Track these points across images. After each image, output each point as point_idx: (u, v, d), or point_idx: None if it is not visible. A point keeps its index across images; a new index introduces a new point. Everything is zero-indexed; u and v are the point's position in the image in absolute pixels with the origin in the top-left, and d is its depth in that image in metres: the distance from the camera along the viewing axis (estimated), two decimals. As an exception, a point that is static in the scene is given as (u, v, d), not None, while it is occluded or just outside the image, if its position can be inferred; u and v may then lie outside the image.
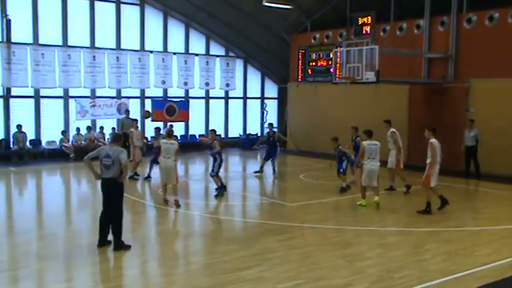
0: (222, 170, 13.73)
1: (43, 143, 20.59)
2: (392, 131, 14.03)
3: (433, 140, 11.52)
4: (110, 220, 8.71)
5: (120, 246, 8.64)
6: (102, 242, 8.75)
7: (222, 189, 13.26)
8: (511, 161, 16.43)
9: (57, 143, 20.60)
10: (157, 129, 16.30)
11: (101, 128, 21.48)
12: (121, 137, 9.54)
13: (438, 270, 7.85)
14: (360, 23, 16.68)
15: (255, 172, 16.79)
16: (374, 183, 12.19)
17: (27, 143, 20.05)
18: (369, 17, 16.43)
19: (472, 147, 16.44)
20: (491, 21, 17.25)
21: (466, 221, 11.24)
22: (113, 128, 21.62)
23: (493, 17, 17.18)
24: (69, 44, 20.53)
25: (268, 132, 17.30)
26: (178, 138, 23.46)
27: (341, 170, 13.89)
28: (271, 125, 17.66)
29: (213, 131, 14.00)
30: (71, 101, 20.88)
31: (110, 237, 8.78)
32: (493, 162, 16.64)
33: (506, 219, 11.20)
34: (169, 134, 12.74)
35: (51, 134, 20.60)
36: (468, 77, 17.71)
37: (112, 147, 8.81)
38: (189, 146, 22.24)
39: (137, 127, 16.94)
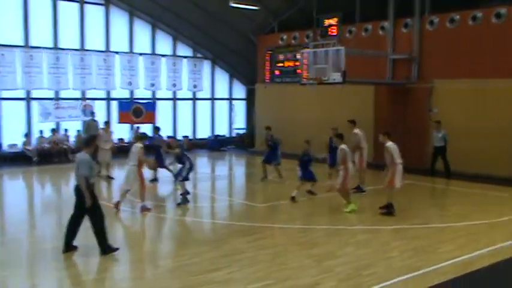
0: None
1: (4, 146, 20.02)
2: (354, 132, 14.17)
3: (388, 144, 11.58)
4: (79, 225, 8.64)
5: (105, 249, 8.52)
6: (68, 248, 8.60)
7: (186, 199, 12.47)
8: (474, 159, 16.86)
9: (20, 146, 20.08)
10: (157, 128, 16.07)
11: (66, 130, 21.05)
12: (92, 141, 9.12)
13: (404, 267, 7.99)
14: (326, 24, 16.85)
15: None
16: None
17: (-12, 147, 19.50)
18: (335, 19, 16.62)
19: (440, 147, 16.76)
20: (453, 23, 17.68)
21: (432, 218, 11.49)
22: (78, 131, 21.24)
23: (454, 19, 17.62)
24: (31, 44, 20.03)
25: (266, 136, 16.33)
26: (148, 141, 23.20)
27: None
28: (268, 128, 16.59)
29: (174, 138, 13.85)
30: (34, 103, 20.38)
31: (75, 242, 8.61)
32: (457, 161, 17.06)
33: (470, 216, 11.48)
34: (139, 137, 12.44)
35: (12, 137, 20.05)
36: (431, 78, 18.12)
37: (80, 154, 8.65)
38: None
39: (108, 128, 16.72)
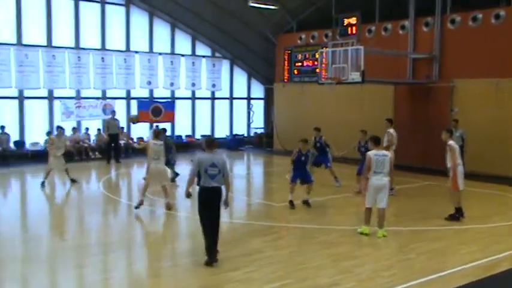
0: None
1: (27, 145, 20.36)
2: (388, 131, 14.00)
3: (451, 142, 11.16)
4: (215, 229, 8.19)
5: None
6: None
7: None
8: (493, 160, 16.63)
9: (42, 144, 20.39)
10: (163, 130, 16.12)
11: (86, 129, 21.33)
12: (214, 143, 8.52)
13: (424, 269, 7.92)
14: (345, 23, 16.75)
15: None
16: (380, 203, 9.84)
17: (11, 145, 19.81)
18: (354, 18, 16.51)
19: (458, 147, 16.50)
20: (475, 21, 17.44)
21: (451, 220, 11.33)
22: (98, 129, 21.48)
23: (477, 17, 17.37)
24: (54, 44, 20.32)
25: (315, 137, 14.83)
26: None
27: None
28: (317, 129, 15.00)
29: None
30: (56, 102, 20.68)
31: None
32: (476, 161, 16.84)
33: (490, 218, 11.34)
34: (157, 134, 12.51)
35: (35, 136, 20.38)
36: (452, 77, 17.90)
37: (215, 155, 8.26)
38: (175, 146, 22.07)
39: (61, 134, 15.79)
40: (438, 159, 17.77)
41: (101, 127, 21.63)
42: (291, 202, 12.15)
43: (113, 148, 20.11)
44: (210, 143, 8.41)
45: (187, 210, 12.16)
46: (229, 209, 12.85)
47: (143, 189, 11.95)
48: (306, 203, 12.32)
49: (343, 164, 16.03)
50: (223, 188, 8.25)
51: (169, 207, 11.75)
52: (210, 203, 8.10)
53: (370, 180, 9.73)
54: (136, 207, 11.58)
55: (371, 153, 9.86)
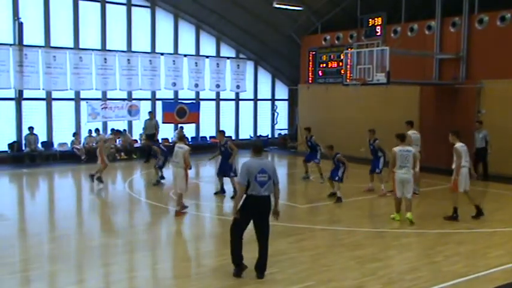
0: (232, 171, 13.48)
1: (55, 145, 20.75)
2: (407, 133, 13.72)
3: (457, 145, 11.17)
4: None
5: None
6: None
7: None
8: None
9: (69, 145, 20.76)
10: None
11: (112, 129, 21.60)
12: (262, 147, 7.93)
13: (450, 272, 7.79)
14: (370, 24, 16.60)
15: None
16: (407, 194, 10.83)
17: (39, 145, 20.22)
18: (380, 18, 16.35)
19: (481, 148, 16.25)
20: (503, 21, 17.11)
21: (477, 223, 11.13)
22: (124, 130, 21.77)
23: (505, 17, 17.04)
24: (81, 46, 20.69)
25: (306, 137, 16.45)
26: (189, 140, 23.59)
27: (336, 178, 13.04)
28: (307, 129, 16.52)
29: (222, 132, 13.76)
30: (83, 103, 21.03)
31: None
32: (503, 163, 16.55)
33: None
34: (181, 137, 12.39)
35: (62, 136, 20.77)
36: (480, 78, 17.59)
37: (263, 160, 7.64)
38: (200, 147, 22.29)
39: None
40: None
41: (126, 128, 21.97)
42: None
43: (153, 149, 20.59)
44: (258, 147, 7.69)
45: (211, 212, 12.23)
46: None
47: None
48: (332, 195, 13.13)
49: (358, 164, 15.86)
50: (271, 196, 7.54)
51: (179, 214, 11.33)
52: (257, 214, 7.44)
53: (396, 174, 10.61)
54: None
55: (396, 148, 10.68)
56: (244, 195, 7.43)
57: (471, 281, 7.48)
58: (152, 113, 21.43)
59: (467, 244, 9.33)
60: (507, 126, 16.65)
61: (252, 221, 7.50)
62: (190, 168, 11.52)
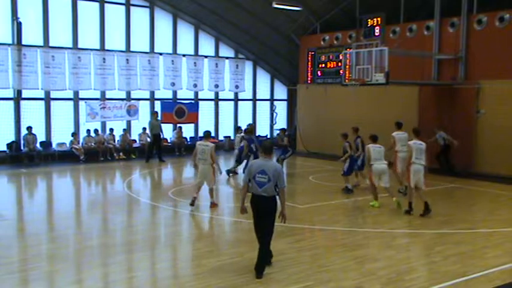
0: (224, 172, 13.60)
1: (53, 145, 20.73)
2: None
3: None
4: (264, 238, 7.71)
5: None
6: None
7: None
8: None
9: (68, 145, 20.74)
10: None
11: (111, 129, 21.60)
12: (272, 149, 8.12)
13: (449, 272, 7.81)
14: (369, 24, 16.62)
15: None
16: (383, 183, 12.27)
17: (38, 145, 20.20)
18: (379, 19, 16.36)
19: (443, 146, 17.27)
20: (502, 22, 17.12)
21: (476, 223, 11.15)
22: (124, 130, 21.74)
23: (504, 17, 17.05)
24: (79, 46, 20.67)
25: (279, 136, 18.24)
26: (188, 140, 23.60)
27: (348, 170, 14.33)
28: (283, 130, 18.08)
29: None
30: (81, 103, 21.01)
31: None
32: (501, 163, 16.62)
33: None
34: (207, 136, 12.54)
35: (61, 136, 20.73)
36: (478, 78, 17.61)
37: (268, 162, 7.66)
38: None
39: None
40: (463, 161, 17.64)
41: (125, 127, 21.99)
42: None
43: (156, 148, 20.78)
44: (266, 148, 7.74)
45: (212, 212, 12.23)
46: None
47: (196, 188, 12.30)
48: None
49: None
50: (276, 198, 7.58)
51: (213, 206, 12.18)
52: (258, 212, 7.59)
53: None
54: (191, 204, 11.92)
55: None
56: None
57: (469, 281, 7.49)
58: (156, 113, 21.42)
59: (465, 244, 9.34)
60: (506, 126, 16.68)
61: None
62: (218, 167, 12.60)
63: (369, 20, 16.63)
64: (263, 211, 7.56)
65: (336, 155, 14.85)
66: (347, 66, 17.15)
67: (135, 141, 22.31)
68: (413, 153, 11.53)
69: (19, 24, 18.92)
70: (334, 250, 9.00)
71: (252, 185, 7.55)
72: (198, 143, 12.36)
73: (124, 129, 21.92)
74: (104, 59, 20.94)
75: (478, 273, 7.77)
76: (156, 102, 22.83)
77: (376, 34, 16.40)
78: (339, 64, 18.74)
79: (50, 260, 8.50)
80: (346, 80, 17.24)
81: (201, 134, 24.18)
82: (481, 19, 17.64)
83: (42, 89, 19.86)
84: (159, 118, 21.30)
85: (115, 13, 21.54)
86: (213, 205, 12.22)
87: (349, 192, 14.02)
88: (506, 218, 11.51)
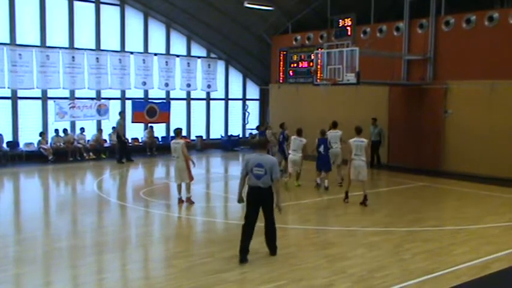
0: (203, 171, 13.72)
1: (21, 145, 20.27)
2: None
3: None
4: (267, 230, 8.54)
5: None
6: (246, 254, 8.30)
7: None
8: (487, 161, 16.73)
9: (35, 145, 20.31)
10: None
11: (82, 129, 21.25)
12: (267, 144, 9.36)
13: (418, 269, 7.94)
14: (340, 24, 16.78)
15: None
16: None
17: (4, 145, 19.72)
18: (349, 19, 16.55)
19: (376, 142, 18.49)
20: (469, 23, 17.51)
21: (445, 221, 11.39)
22: (99, 130, 21.43)
23: (470, 19, 17.44)
24: (48, 44, 20.26)
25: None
26: (160, 139, 23.40)
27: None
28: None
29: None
30: (50, 102, 20.60)
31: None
32: (468, 162, 17.03)
33: (484, 219, 11.39)
34: (178, 133, 12.65)
35: (29, 136, 20.29)
36: (446, 79, 17.97)
37: (262, 155, 8.41)
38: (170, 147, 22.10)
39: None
40: (431, 160, 17.99)
41: (99, 127, 21.69)
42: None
43: (121, 148, 20.50)
44: (258, 143, 8.98)
45: (183, 212, 12.16)
46: (224, 209, 12.96)
47: (178, 188, 12.53)
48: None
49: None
50: (272, 189, 8.29)
51: (190, 201, 12.38)
52: (257, 203, 8.25)
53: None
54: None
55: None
56: (247, 187, 8.35)
57: (438, 277, 7.63)
58: (123, 113, 21.20)
59: (433, 242, 9.52)
60: (473, 126, 17.08)
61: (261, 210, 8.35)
62: (191, 160, 12.52)
63: (340, 20, 16.80)
64: (263, 199, 8.24)
65: (307, 154, 14.89)
66: (318, 66, 17.26)
67: (105, 141, 22.01)
68: (352, 150, 12.33)
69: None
70: (306, 249, 9.05)
71: (250, 178, 8.23)
72: (171, 141, 12.66)
73: (99, 129, 21.62)
74: (73, 57, 20.59)
75: (446, 270, 7.93)
76: (127, 101, 22.56)
77: (347, 34, 16.57)
78: (311, 64, 18.86)
79: (16, 263, 8.30)
80: (318, 80, 17.36)
81: (172, 134, 24.25)
82: (449, 21, 18.00)
83: (8, 87, 19.40)
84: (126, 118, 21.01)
85: (84, 11, 21.18)
86: (189, 200, 12.35)
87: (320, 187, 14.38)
88: (472, 216, 11.77)
